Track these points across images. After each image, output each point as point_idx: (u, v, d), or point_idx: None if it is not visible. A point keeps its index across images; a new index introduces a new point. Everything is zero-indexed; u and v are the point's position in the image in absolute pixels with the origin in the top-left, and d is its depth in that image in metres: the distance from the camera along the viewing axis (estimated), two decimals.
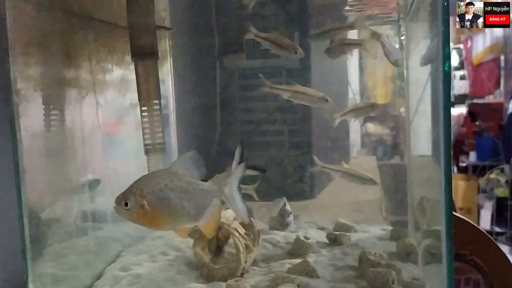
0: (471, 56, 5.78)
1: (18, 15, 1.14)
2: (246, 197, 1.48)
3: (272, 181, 1.95)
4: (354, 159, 2.22)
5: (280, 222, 1.68)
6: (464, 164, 5.63)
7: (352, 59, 2.14)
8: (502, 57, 5.45)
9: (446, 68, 0.93)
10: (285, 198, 1.71)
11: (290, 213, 1.68)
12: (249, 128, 1.99)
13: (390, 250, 1.43)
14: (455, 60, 6.32)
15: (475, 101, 5.92)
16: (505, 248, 4.16)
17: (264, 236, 1.58)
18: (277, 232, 1.66)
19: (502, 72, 5.49)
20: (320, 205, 1.94)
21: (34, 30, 1.24)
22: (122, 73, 1.59)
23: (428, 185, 1.30)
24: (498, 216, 5.01)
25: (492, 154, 5.23)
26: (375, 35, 1.54)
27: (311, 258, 1.37)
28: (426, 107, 1.37)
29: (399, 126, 2.14)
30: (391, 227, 1.65)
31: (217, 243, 1.44)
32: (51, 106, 1.30)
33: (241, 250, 1.27)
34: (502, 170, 5.05)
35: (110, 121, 1.65)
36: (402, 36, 1.83)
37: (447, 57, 0.93)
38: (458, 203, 5.07)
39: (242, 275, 1.29)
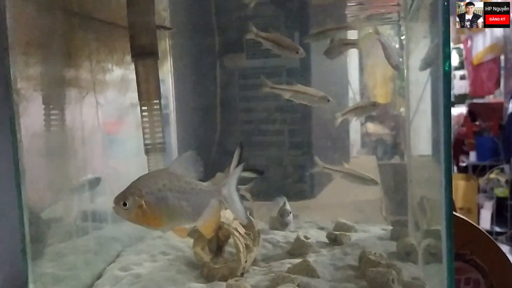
0: (471, 56, 5.78)
1: (18, 14, 1.14)
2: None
3: (272, 181, 1.95)
4: (354, 159, 2.22)
5: (280, 222, 1.68)
6: (464, 164, 5.63)
7: (352, 59, 2.15)
8: (502, 57, 5.46)
9: (446, 68, 0.93)
10: (285, 198, 1.71)
11: (290, 212, 1.68)
12: (249, 127, 1.99)
13: (390, 250, 1.43)
14: (455, 60, 6.32)
15: (475, 101, 5.93)
16: (505, 248, 4.16)
17: (264, 236, 1.58)
18: (277, 232, 1.66)
19: (502, 72, 5.49)
20: (320, 205, 1.94)
21: (34, 29, 1.24)
22: (122, 72, 1.59)
23: (428, 185, 1.30)
24: (498, 216, 5.01)
25: (492, 154, 5.24)
26: (377, 37, 1.54)
27: (311, 258, 1.37)
28: (426, 107, 1.37)
29: (399, 126, 2.14)
30: (391, 227, 1.65)
31: (217, 243, 1.44)
32: (51, 106, 1.30)
33: (241, 249, 1.28)
34: (502, 170, 5.05)
35: (110, 121, 1.65)
36: (402, 36, 1.83)
37: (447, 57, 0.93)
38: (458, 203, 5.07)
39: (242, 274, 1.29)
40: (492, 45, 5.37)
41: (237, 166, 1.09)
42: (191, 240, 1.38)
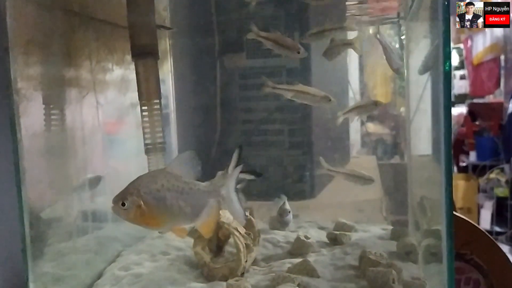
0: (471, 55, 5.78)
1: (18, 14, 1.14)
2: None
3: (272, 181, 1.95)
4: (354, 158, 2.22)
5: (279, 221, 1.68)
6: (464, 164, 5.63)
7: (352, 59, 2.15)
8: (502, 57, 5.45)
9: (446, 68, 0.93)
10: (285, 197, 1.71)
11: (289, 211, 1.68)
12: (249, 127, 1.99)
13: (391, 250, 1.43)
14: (455, 59, 6.32)
15: (475, 100, 5.93)
16: (505, 248, 4.16)
17: (264, 235, 1.58)
18: (277, 232, 1.66)
19: (502, 72, 5.49)
20: (320, 205, 1.94)
21: (34, 29, 1.24)
22: (122, 72, 1.59)
23: (428, 185, 1.30)
24: (498, 216, 5.01)
25: (492, 153, 5.24)
26: (379, 39, 1.55)
27: (311, 258, 1.37)
28: (426, 107, 1.37)
29: (399, 125, 2.14)
30: (392, 227, 1.65)
31: (218, 243, 1.44)
32: (51, 106, 1.30)
33: (242, 249, 1.27)
34: (502, 170, 5.05)
35: (111, 121, 1.65)
36: (403, 35, 1.83)
37: (447, 57, 0.93)
38: (458, 202, 5.07)
39: (242, 274, 1.29)
40: (492, 45, 5.37)
41: (236, 167, 1.08)
42: (192, 240, 1.38)
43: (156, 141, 1.37)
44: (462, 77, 6.30)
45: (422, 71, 1.41)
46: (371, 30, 2.10)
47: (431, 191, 1.20)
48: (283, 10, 1.84)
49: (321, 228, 1.74)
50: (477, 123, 5.56)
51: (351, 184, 1.71)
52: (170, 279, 1.26)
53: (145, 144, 1.38)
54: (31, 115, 1.19)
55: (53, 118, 1.30)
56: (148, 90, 1.37)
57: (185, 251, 1.49)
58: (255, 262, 1.40)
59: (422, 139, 1.53)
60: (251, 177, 1.60)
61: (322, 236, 1.60)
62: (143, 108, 1.37)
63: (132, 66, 1.37)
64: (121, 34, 1.48)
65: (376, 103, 1.63)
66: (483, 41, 5.49)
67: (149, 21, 1.36)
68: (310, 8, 1.84)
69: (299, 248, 1.47)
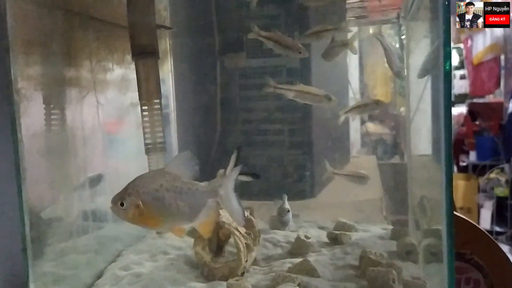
0: (471, 55, 5.78)
1: (19, 14, 1.14)
2: None
3: (272, 181, 1.95)
4: (354, 158, 2.22)
5: (278, 220, 1.68)
6: (464, 164, 5.63)
7: (352, 59, 2.15)
8: (502, 57, 5.45)
9: (447, 67, 0.93)
10: (285, 196, 1.71)
11: (288, 210, 1.68)
12: (249, 127, 1.99)
13: (391, 249, 1.43)
14: (455, 59, 6.32)
15: (475, 100, 5.93)
16: (505, 248, 4.16)
17: (264, 235, 1.58)
18: (277, 232, 1.66)
19: (502, 72, 5.49)
20: (320, 205, 1.94)
21: (35, 29, 1.24)
22: (122, 72, 1.59)
23: (428, 185, 1.30)
24: (498, 216, 5.01)
25: (492, 153, 5.24)
26: (380, 41, 1.55)
27: (311, 258, 1.37)
28: (426, 107, 1.37)
29: (399, 125, 2.14)
30: (392, 227, 1.65)
31: (218, 242, 1.44)
32: (51, 106, 1.30)
33: (242, 249, 1.27)
34: (502, 170, 5.05)
35: (111, 121, 1.65)
36: (403, 35, 1.83)
37: (448, 57, 0.93)
38: (458, 202, 5.07)
39: (242, 274, 1.29)
40: (492, 45, 5.37)
41: (234, 167, 1.08)
42: (192, 240, 1.38)
43: (156, 140, 1.38)
44: (462, 77, 6.30)
45: (421, 75, 1.41)
46: (371, 30, 2.11)
47: (431, 190, 1.20)
48: (283, 9, 1.84)
49: (321, 227, 1.74)
50: (477, 123, 5.57)
51: (351, 184, 1.72)
52: (170, 279, 1.26)
53: (145, 144, 1.38)
54: (32, 115, 1.19)
55: (53, 118, 1.30)
56: (148, 90, 1.37)
57: (185, 250, 1.49)
58: (255, 262, 1.40)
59: (422, 139, 1.53)
60: (249, 178, 1.60)
61: (322, 236, 1.60)
62: (143, 108, 1.37)
63: (132, 66, 1.38)
64: (121, 34, 1.48)
65: (377, 103, 1.62)
66: (483, 41, 5.49)
67: (149, 21, 1.36)
68: (310, 7, 1.84)
69: (299, 247, 1.47)
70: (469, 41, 5.85)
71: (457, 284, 1.37)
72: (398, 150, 2.19)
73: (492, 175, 5.08)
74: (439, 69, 0.95)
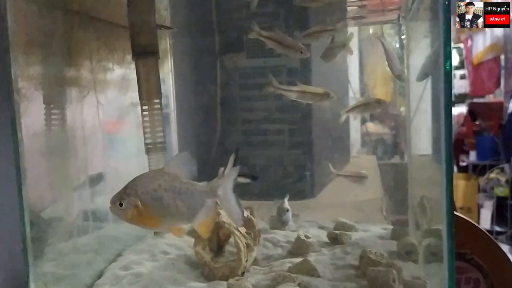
0: (471, 55, 5.77)
1: (19, 14, 1.14)
2: None
3: (272, 181, 1.95)
4: (354, 158, 2.22)
5: (278, 220, 1.69)
6: (464, 164, 5.63)
7: (353, 59, 2.15)
8: (502, 57, 5.45)
9: (447, 67, 0.93)
10: (287, 195, 1.71)
11: (287, 210, 1.68)
12: (249, 127, 2.00)
13: (391, 249, 1.43)
14: (455, 59, 6.32)
15: (475, 100, 5.92)
16: (505, 247, 4.16)
17: (264, 235, 1.58)
18: (277, 231, 1.66)
19: (502, 72, 5.49)
20: (320, 204, 1.94)
21: (35, 29, 1.24)
22: (123, 72, 1.59)
23: (428, 184, 1.30)
24: (498, 216, 5.01)
25: (492, 153, 5.24)
26: (382, 43, 1.56)
27: (311, 257, 1.37)
28: (426, 106, 1.37)
29: (399, 125, 2.14)
30: (392, 226, 1.66)
31: (218, 242, 1.44)
32: (52, 105, 1.30)
33: (242, 249, 1.27)
34: (502, 169, 5.05)
35: (111, 120, 1.66)
36: (403, 35, 1.83)
37: (448, 56, 0.93)
38: (458, 202, 5.07)
39: (243, 274, 1.29)
40: (492, 45, 5.37)
41: (233, 167, 1.08)
42: (192, 240, 1.38)
43: (157, 140, 1.38)
44: (462, 77, 6.30)
45: (420, 78, 1.41)
46: (371, 30, 2.11)
47: (432, 190, 1.20)
48: (284, 9, 1.84)
49: (322, 227, 1.74)
50: (477, 122, 5.57)
51: (351, 183, 1.72)
52: (170, 279, 1.26)
53: (146, 144, 1.38)
54: (32, 114, 1.19)
55: (53, 118, 1.30)
56: (149, 90, 1.37)
57: (185, 250, 1.49)
58: (255, 262, 1.40)
59: (422, 138, 1.53)
60: (247, 180, 1.61)
61: (323, 235, 1.60)
62: (144, 107, 1.37)
63: (133, 66, 1.38)
64: (121, 34, 1.48)
65: (379, 102, 1.62)
66: (483, 40, 5.49)
67: (149, 20, 1.36)
68: (310, 8, 1.84)
69: (299, 247, 1.47)
70: (469, 41, 5.85)
71: (457, 284, 1.37)
72: (398, 150, 2.20)
73: (492, 175, 5.09)
74: (440, 69, 0.95)
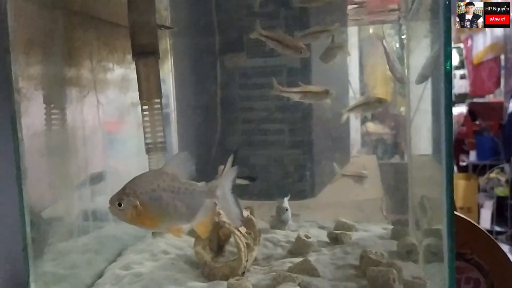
0: (471, 55, 5.77)
1: (19, 14, 1.14)
2: None
3: (272, 180, 1.95)
4: (355, 158, 2.22)
5: (277, 219, 1.69)
6: (464, 163, 5.63)
7: (353, 58, 2.15)
8: (502, 56, 5.45)
9: (447, 67, 0.93)
10: (288, 196, 1.71)
11: (286, 209, 1.68)
12: (249, 127, 2.00)
13: (391, 249, 1.43)
14: (455, 59, 6.32)
15: (475, 100, 5.92)
16: (505, 247, 4.16)
17: (265, 235, 1.58)
18: (278, 231, 1.66)
19: (502, 71, 5.49)
20: (320, 204, 1.94)
21: (35, 29, 1.24)
22: (123, 72, 1.59)
23: (429, 184, 1.30)
24: (498, 215, 5.01)
25: (492, 153, 5.24)
26: (383, 46, 1.56)
27: (312, 257, 1.37)
28: (426, 106, 1.37)
29: (399, 125, 2.14)
30: (392, 226, 1.66)
31: (218, 242, 1.44)
32: (52, 105, 1.30)
33: (242, 249, 1.27)
34: (502, 169, 5.05)
35: (111, 120, 1.66)
36: (403, 35, 1.83)
37: (448, 56, 0.93)
38: (458, 202, 5.07)
39: (243, 274, 1.29)
40: (493, 45, 5.37)
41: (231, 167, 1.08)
42: (192, 239, 1.38)
43: (157, 140, 1.38)
44: (462, 77, 6.30)
45: (419, 81, 1.41)
46: (371, 30, 2.11)
47: (432, 190, 1.20)
48: (284, 8, 1.84)
49: (322, 227, 1.74)
50: (477, 122, 5.56)
51: (351, 183, 1.72)
52: (170, 279, 1.26)
53: (146, 144, 1.38)
54: (32, 114, 1.19)
55: (54, 118, 1.30)
56: (149, 90, 1.37)
57: (185, 250, 1.49)
58: (255, 262, 1.40)
59: (422, 138, 1.53)
60: (245, 182, 1.61)
61: (323, 235, 1.60)
62: (144, 107, 1.37)
63: (133, 66, 1.38)
64: (122, 33, 1.48)
65: (380, 101, 1.62)
66: (483, 40, 5.48)
67: (149, 20, 1.36)
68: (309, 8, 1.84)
69: (299, 247, 1.47)
70: (469, 41, 5.85)
71: (457, 283, 1.37)
72: (398, 149, 2.19)
73: (492, 175, 5.08)
74: (440, 69, 0.95)
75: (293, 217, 1.73)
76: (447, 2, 0.93)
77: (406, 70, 1.75)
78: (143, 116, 1.37)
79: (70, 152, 1.40)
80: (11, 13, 1.09)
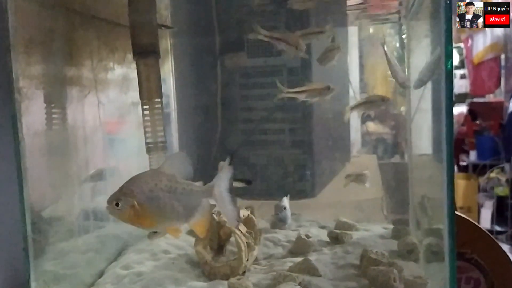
0: (472, 55, 5.77)
1: (20, 13, 1.14)
2: None
3: (273, 180, 1.95)
4: (355, 158, 2.22)
5: (275, 218, 1.69)
6: (464, 163, 5.62)
7: (353, 58, 2.15)
8: (502, 56, 5.45)
9: (448, 66, 0.93)
10: (288, 196, 1.71)
11: (284, 208, 1.68)
12: (250, 126, 2.00)
13: (392, 249, 1.43)
14: (455, 59, 6.31)
15: (475, 100, 5.92)
16: (505, 247, 4.15)
17: (265, 234, 1.58)
18: (278, 231, 1.67)
19: (503, 71, 5.48)
20: (321, 204, 1.94)
21: (36, 28, 1.24)
22: (123, 71, 1.59)
23: (429, 184, 1.30)
24: (499, 215, 5.01)
25: (493, 153, 5.23)
26: (385, 50, 1.56)
27: (312, 257, 1.37)
28: (427, 106, 1.37)
29: (399, 124, 2.14)
30: (393, 226, 1.66)
31: (219, 242, 1.44)
32: (53, 105, 1.30)
33: (243, 248, 1.28)
34: (503, 169, 5.05)
35: (112, 120, 1.66)
36: (403, 34, 1.83)
37: (449, 55, 0.93)
38: (459, 202, 5.06)
39: (243, 273, 1.29)
40: (493, 44, 5.36)
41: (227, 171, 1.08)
42: (193, 239, 1.38)
43: (157, 140, 1.38)
44: (463, 77, 6.29)
45: (417, 86, 1.41)
46: (371, 30, 2.11)
47: (432, 190, 1.20)
48: (284, 8, 1.83)
49: (322, 227, 1.74)
50: (477, 122, 5.56)
51: (352, 183, 1.72)
52: (171, 278, 1.26)
53: (147, 143, 1.38)
54: (33, 114, 1.19)
55: (54, 117, 1.30)
56: (149, 89, 1.37)
57: (186, 250, 1.49)
58: (256, 261, 1.41)
59: (423, 138, 1.53)
60: (242, 184, 1.61)
61: (323, 235, 1.60)
62: (144, 107, 1.37)
63: (133, 65, 1.38)
64: (122, 33, 1.48)
65: (383, 99, 1.62)
66: (484, 40, 5.48)
67: (150, 20, 1.36)
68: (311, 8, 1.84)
69: (300, 247, 1.47)
70: (470, 41, 5.84)
71: (458, 283, 1.37)
72: (398, 149, 2.20)
73: (492, 175, 5.08)
74: (441, 68, 0.95)
75: (293, 216, 1.73)
76: (448, 2, 0.92)
77: (406, 70, 1.75)
78: (144, 115, 1.37)
79: (71, 151, 1.40)
80: (11, 13, 1.09)
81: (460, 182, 5.22)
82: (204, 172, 1.08)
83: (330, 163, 1.93)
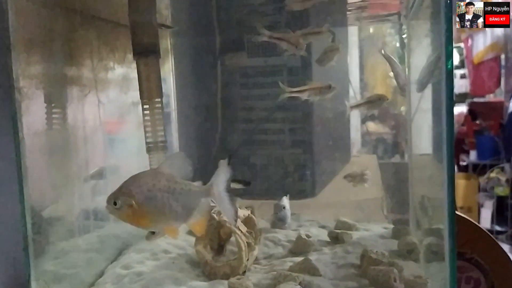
0: (472, 54, 5.77)
1: (20, 13, 1.14)
2: None
3: (273, 180, 1.95)
4: (355, 157, 2.22)
5: (274, 217, 1.69)
6: (464, 163, 5.62)
7: (353, 57, 2.15)
8: (502, 56, 5.45)
9: (449, 66, 0.93)
10: (287, 196, 1.71)
11: (283, 207, 1.68)
12: (250, 126, 2.00)
13: (392, 248, 1.43)
14: (455, 59, 6.31)
15: (475, 100, 5.92)
16: (505, 247, 4.16)
17: (265, 234, 1.58)
18: (278, 230, 1.67)
19: (503, 71, 5.48)
20: (321, 204, 1.94)
21: (36, 27, 1.24)
22: (124, 71, 1.59)
23: (429, 184, 1.30)
24: (499, 215, 5.01)
25: (493, 153, 5.23)
26: (385, 56, 1.56)
27: (312, 256, 1.37)
28: (427, 106, 1.37)
29: (399, 124, 2.14)
30: (393, 225, 1.66)
31: (219, 241, 1.44)
32: (53, 104, 1.30)
33: (243, 248, 1.28)
34: (503, 169, 5.05)
35: (112, 120, 1.66)
36: (404, 34, 1.83)
37: (450, 55, 0.93)
38: (459, 202, 5.07)
39: (244, 273, 1.29)
40: (493, 44, 5.36)
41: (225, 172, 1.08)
42: (193, 239, 1.38)
43: (158, 139, 1.38)
44: (463, 76, 6.29)
45: (419, 89, 1.41)
46: (371, 30, 2.11)
47: (433, 189, 1.20)
48: (284, 8, 1.83)
49: (322, 226, 1.74)
50: (477, 122, 5.56)
51: (351, 182, 1.72)
52: (171, 278, 1.26)
53: (147, 143, 1.38)
54: (33, 113, 1.19)
55: (54, 117, 1.30)
56: (150, 89, 1.37)
57: (186, 249, 1.49)
58: (256, 261, 1.41)
59: (423, 138, 1.53)
60: (240, 185, 1.61)
61: (323, 234, 1.60)
62: (145, 106, 1.37)
63: (134, 65, 1.38)
64: (122, 33, 1.48)
65: (381, 97, 1.63)
66: (484, 40, 5.48)
67: (150, 19, 1.36)
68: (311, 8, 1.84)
69: (300, 246, 1.47)
70: (470, 41, 5.84)
71: (458, 283, 1.37)
72: (398, 149, 2.20)
73: (493, 175, 5.08)
74: (441, 68, 0.95)
75: (292, 216, 1.73)
76: (448, 2, 0.92)
77: (406, 70, 1.75)
78: (144, 115, 1.37)
79: (71, 151, 1.40)
80: (11, 12, 1.09)
81: (460, 182, 5.22)
82: (204, 172, 1.08)
83: (330, 163, 1.93)
